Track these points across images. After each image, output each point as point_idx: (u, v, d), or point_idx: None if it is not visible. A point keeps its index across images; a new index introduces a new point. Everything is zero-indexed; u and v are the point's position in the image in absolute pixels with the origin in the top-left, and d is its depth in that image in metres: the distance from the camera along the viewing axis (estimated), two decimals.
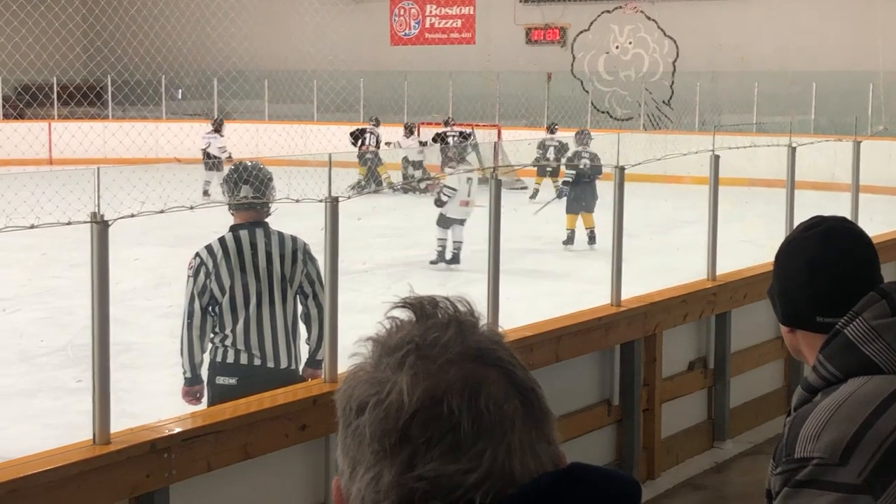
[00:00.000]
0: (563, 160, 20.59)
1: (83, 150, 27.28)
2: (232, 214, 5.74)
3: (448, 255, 14.46)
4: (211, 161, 22.37)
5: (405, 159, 23.61)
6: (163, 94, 31.33)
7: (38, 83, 31.25)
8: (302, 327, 5.69)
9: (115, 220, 4.52)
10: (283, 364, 5.56)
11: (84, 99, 30.90)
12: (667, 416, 7.21)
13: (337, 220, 5.27)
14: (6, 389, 8.85)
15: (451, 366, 1.09)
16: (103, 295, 4.42)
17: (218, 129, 23.55)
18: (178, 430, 4.53)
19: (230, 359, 5.53)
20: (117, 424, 4.44)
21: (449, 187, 14.44)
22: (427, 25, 32.51)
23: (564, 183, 17.17)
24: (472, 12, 31.79)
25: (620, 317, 6.73)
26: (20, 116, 29.90)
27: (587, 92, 29.74)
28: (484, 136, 24.88)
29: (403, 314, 1.14)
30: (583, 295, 8.64)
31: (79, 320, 9.25)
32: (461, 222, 14.49)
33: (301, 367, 5.67)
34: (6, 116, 29.68)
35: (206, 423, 4.64)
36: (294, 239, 5.65)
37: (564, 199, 16.52)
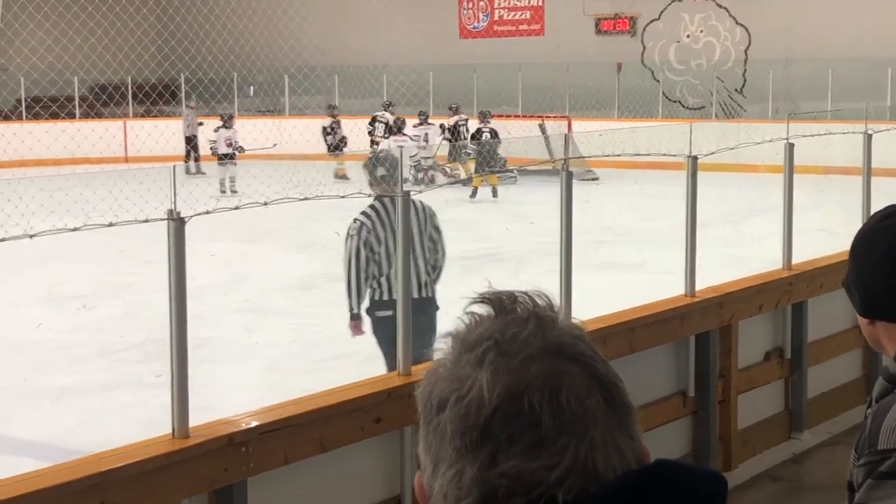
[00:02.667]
0: (468, 136, 22.13)
1: (159, 148, 27.65)
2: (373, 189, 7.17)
3: None
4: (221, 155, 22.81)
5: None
6: (235, 92, 31.62)
7: (114, 83, 31.72)
8: None
9: (191, 216, 4.58)
10: (425, 294, 7.19)
11: (159, 98, 31.31)
12: (743, 407, 7.15)
13: (409, 214, 5.29)
14: (86, 385, 9.01)
15: (532, 361, 1.08)
16: (181, 291, 4.49)
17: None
18: (255, 423, 4.58)
19: (386, 296, 7.01)
20: (195, 418, 4.50)
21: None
22: (496, 18, 32.46)
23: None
24: (540, 4, 31.68)
25: (695, 307, 6.68)
26: (97, 116, 30.38)
27: (658, 81, 29.51)
28: (554, 128, 24.79)
29: (482, 309, 1.13)
30: (656, 286, 8.57)
31: (156, 316, 9.35)
32: None
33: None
34: (83, 116, 30.16)
35: (283, 417, 4.69)
36: (422, 203, 7.28)
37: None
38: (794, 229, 7.66)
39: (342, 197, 5.64)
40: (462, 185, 21.63)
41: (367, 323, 7.14)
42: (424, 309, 6.97)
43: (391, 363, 6.14)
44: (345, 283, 7.09)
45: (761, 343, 7.44)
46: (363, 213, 7.09)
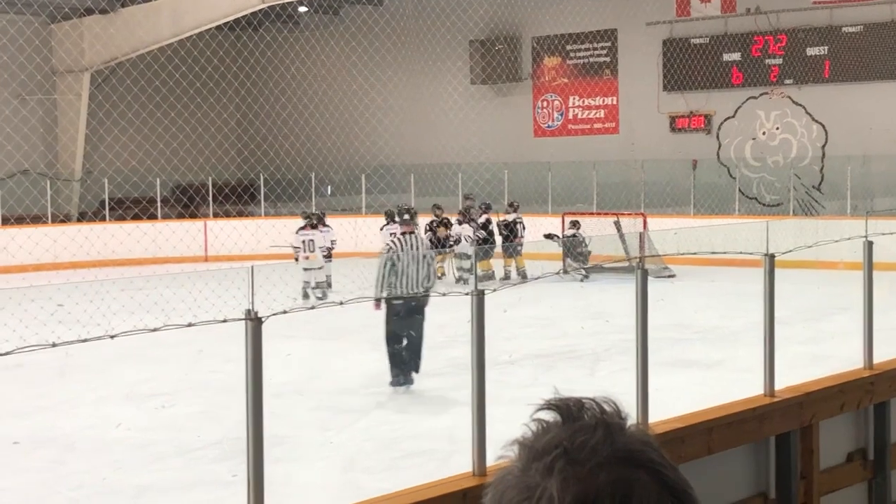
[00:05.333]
0: (498, 225, 23.66)
1: (238, 248, 28.10)
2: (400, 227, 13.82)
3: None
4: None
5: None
6: (313, 192, 32.11)
7: (195, 184, 32.41)
8: None
9: (269, 316, 4.64)
10: (421, 290, 12.38)
11: (239, 199, 31.86)
12: None
13: (483, 312, 5.31)
14: (164, 483, 9.06)
15: (601, 470, 1.07)
16: (257, 389, 4.53)
17: (315, 226, 22.80)
18: None
19: (397, 293, 12.25)
20: None
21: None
22: (570, 117, 32.71)
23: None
24: (615, 102, 31.89)
25: (774, 407, 6.58)
26: (178, 217, 30.98)
27: (734, 178, 29.42)
28: (629, 225, 24.78)
29: (549, 416, 1.13)
30: (735, 385, 8.47)
31: (234, 414, 9.45)
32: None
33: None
34: (164, 217, 30.78)
35: None
36: (419, 238, 13.14)
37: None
38: (874, 327, 7.55)
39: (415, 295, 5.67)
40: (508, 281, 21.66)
41: (382, 306, 12.32)
42: (418, 298, 12.30)
43: (388, 329, 12.23)
44: (376, 281, 12.28)
45: (843, 444, 7.29)
46: (391, 241, 13.60)
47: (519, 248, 23.35)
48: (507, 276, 22.91)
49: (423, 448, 9.75)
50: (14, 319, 10.46)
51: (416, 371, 12.19)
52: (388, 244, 13.31)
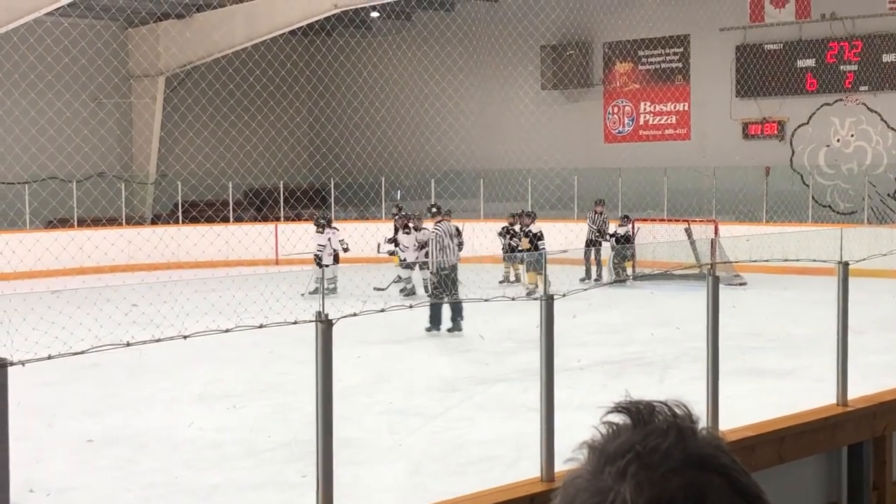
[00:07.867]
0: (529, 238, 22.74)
1: (308, 251, 28.25)
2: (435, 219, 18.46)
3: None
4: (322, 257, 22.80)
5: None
6: (382, 196, 32.25)
7: (267, 188, 32.72)
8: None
9: (339, 318, 4.68)
10: (453, 263, 17.07)
11: (310, 203, 32.08)
12: None
13: (552, 317, 5.31)
14: (234, 484, 9.15)
15: (674, 474, 1.06)
16: (327, 392, 4.57)
17: (323, 229, 23.55)
18: None
19: (444, 265, 16.90)
20: None
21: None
22: (641, 122, 32.52)
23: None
24: (686, 108, 31.65)
25: (847, 417, 6.50)
26: (250, 220, 31.29)
27: (807, 186, 29.06)
28: (700, 232, 24.57)
29: (620, 419, 1.12)
30: (807, 394, 8.37)
31: (303, 416, 9.52)
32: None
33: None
34: (236, 219, 31.10)
35: None
36: (451, 225, 18.18)
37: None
38: None
39: (485, 301, 5.68)
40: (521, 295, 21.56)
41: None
42: (453, 269, 16.97)
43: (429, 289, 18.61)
44: (430, 255, 16.91)
45: None
46: (435, 227, 17.73)
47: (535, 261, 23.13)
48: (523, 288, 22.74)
49: (491, 453, 9.75)
50: (89, 319, 10.64)
51: (462, 319, 16.21)
52: (434, 231, 17.82)
